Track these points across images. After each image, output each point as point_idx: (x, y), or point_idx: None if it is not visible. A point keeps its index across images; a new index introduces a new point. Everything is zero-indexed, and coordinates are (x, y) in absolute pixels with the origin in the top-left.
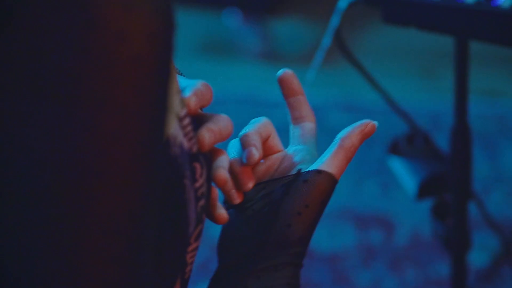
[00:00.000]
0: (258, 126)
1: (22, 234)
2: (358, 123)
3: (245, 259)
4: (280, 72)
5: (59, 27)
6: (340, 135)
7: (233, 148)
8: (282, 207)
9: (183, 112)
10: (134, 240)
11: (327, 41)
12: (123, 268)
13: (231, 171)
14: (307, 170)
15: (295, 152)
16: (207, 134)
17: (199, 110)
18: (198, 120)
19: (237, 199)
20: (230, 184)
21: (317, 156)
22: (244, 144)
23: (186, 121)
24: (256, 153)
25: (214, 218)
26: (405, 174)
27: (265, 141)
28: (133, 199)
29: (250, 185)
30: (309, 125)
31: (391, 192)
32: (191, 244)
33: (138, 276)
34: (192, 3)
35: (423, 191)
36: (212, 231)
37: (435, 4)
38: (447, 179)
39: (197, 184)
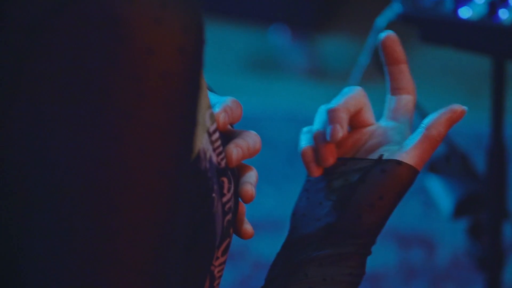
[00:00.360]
0: (349, 99)
1: (48, 244)
2: (446, 108)
3: (310, 240)
4: (383, 35)
5: (91, 40)
6: (426, 122)
7: (319, 118)
8: (355, 196)
9: (212, 127)
10: (161, 252)
11: (364, 59)
12: (150, 280)
13: (314, 142)
14: (387, 158)
15: (386, 129)
16: (235, 150)
17: (229, 126)
18: (227, 135)
19: (315, 172)
20: (309, 156)
21: (408, 136)
22: (330, 120)
23: (216, 136)
24: (340, 131)
25: (240, 233)
26: (441, 193)
27: (355, 114)
28: (160, 211)
29: (330, 161)
30: (406, 98)
31: (433, 212)
32: (219, 258)
33: None
34: (239, 19)
35: (459, 210)
36: (254, 250)
37: (472, 24)
38: (483, 198)
39: (225, 199)
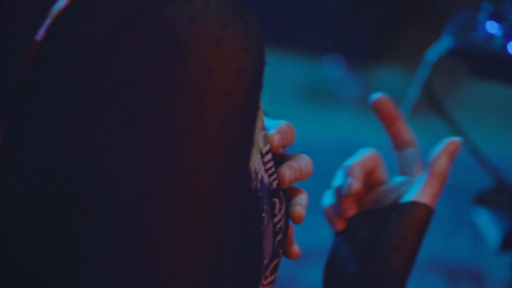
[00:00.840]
0: (363, 158)
1: (103, 255)
2: (443, 143)
3: None
4: (374, 97)
5: (153, 59)
6: (429, 161)
7: (339, 176)
8: (379, 242)
9: (265, 148)
10: (213, 267)
11: (414, 92)
12: None
13: (336, 198)
14: (402, 202)
15: (400, 184)
16: (288, 171)
17: (281, 150)
18: (279, 158)
19: (338, 225)
20: (331, 213)
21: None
22: (346, 174)
23: (268, 157)
24: (355, 183)
25: (288, 254)
26: (489, 226)
27: (370, 173)
28: (213, 228)
29: (350, 213)
30: (410, 151)
31: (482, 245)
32: (267, 277)
33: None
34: (293, 49)
35: (507, 243)
36: (303, 279)
37: None
38: None
39: (276, 219)
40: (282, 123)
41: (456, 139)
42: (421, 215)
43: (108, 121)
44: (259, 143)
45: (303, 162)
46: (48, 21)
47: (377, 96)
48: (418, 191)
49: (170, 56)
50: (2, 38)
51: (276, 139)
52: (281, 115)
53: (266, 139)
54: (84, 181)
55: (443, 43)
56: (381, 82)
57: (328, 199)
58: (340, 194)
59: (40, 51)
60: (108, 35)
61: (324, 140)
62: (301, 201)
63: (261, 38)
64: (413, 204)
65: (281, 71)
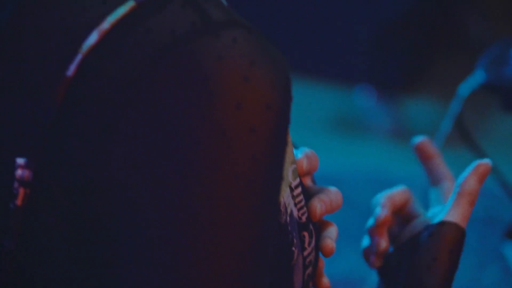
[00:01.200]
0: (392, 193)
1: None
2: (472, 165)
3: None
4: (415, 140)
5: (182, 95)
6: (459, 182)
7: (371, 217)
8: (411, 265)
9: (295, 182)
10: None
11: (446, 125)
12: None
13: (370, 236)
14: (431, 223)
15: (435, 214)
16: (318, 205)
17: (310, 183)
18: (309, 191)
19: (374, 263)
20: (367, 252)
21: None
22: (375, 205)
23: (298, 191)
24: (381, 214)
25: (318, 287)
26: None
27: (402, 208)
28: (245, 265)
29: (383, 246)
30: (446, 184)
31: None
32: None
33: None
34: (325, 78)
35: None
36: None
37: None
38: None
39: (306, 253)
40: (307, 150)
41: (485, 161)
42: (450, 234)
43: (139, 156)
44: (289, 177)
45: (333, 195)
46: (79, 57)
47: (417, 139)
48: (447, 211)
49: (198, 92)
50: (33, 74)
51: (305, 163)
52: (312, 144)
53: (296, 173)
54: (115, 217)
55: (476, 78)
56: (412, 112)
57: (365, 241)
58: (372, 230)
59: (72, 87)
60: (138, 71)
61: (355, 170)
62: (331, 234)
63: (288, 73)
64: (442, 223)
65: (312, 101)
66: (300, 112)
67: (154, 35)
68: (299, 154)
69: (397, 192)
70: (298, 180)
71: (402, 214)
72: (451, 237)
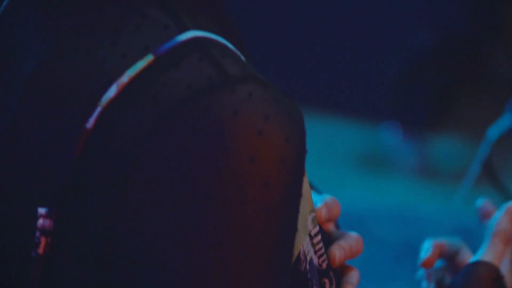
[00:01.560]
0: (441, 240)
1: None
2: (503, 207)
3: None
4: (479, 202)
5: (197, 148)
6: (492, 223)
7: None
8: None
9: (314, 230)
10: None
11: (476, 168)
12: None
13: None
14: (465, 265)
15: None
16: (338, 252)
17: (332, 227)
18: (330, 237)
19: None
20: None
21: None
22: (422, 249)
23: (317, 238)
24: (426, 256)
25: None
26: None
27: (454, 256)
28: None
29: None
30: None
31: None
32: None
33: None
34: (351, 115)
35: None
36: None
37: None
38: None
39: None
40: (327, 197)
41: None
42: (484, 273)
43: (154, 207)
44: (308, 225)
45: (353, 241)
46: (98, 109)
47: (481, 201)
48: (482, 252)
49: (213, 146)
50: (55, 125)
51: (323, 212)
52: (338, 180)
53: (315, 221)
54: (131, 264)
55: (504, 122)
56: (438, 150)
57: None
58: (419, 275)
59: (91, 138)
60: (155, 124)
61: (380, 207)
62: (352, 279)
63: (303, 127)
64: (476, 263)
65: (339, 138)
66: (326, 149)
67: (171, 89)
68: (319, 203)
69: (447, 240)
70: (317, 228)
71: (453, 264)
72: (485, 276)
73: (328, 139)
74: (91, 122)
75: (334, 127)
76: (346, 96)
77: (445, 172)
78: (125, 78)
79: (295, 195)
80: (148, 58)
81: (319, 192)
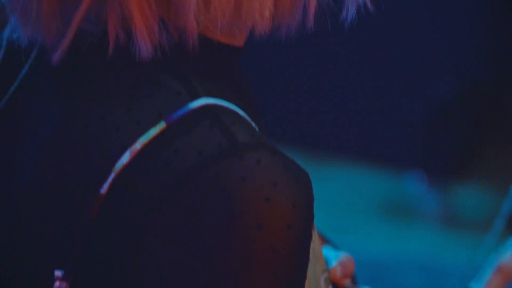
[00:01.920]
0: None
1: None
2: None
3: None
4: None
5: (206, 215)
6: (499, 259)
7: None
8: None
9: None
10: None
11: (500, 223)
12: None
13: None
14: None
15: None
16: None
17: (347, 283)
18: None
19: None
20: None
21: None
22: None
23: None
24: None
25: None
26: None
27: None
28: None
29: None
30: None
31: None
32: None
33: None
34: (375, 163)
35: None
36: None
37: None
38: None
39: None
40: (342, 255)
41: None
42: None
43: (165, 272)
44: (321, 286)
45: None
46: (112, 175)
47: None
48: (483, 284)
49: (222, 212)
50: (71, 190)
51: (338, 272)
52: (361, 229)
53: (328, 281)
54: None
55: None
56: (463, 199)
57: None
58: None
59: (105, 203)
60: (167, 191)
61: (404, 256)
62: None
63: (311, 193)
64: None
65: (362, 185)
66: (351, 197)
67: (183, 156)
68: (334, 261)
69: None
70: (331, 287)
71: None
72: None
73: (352, 187)
74: (105, 188)
75: (358, 175)
76: (370, 144)
77: (469, 221)
78: (138, 145)
79: (302, 260)
80: (161, 126)
81: (335, 246)
